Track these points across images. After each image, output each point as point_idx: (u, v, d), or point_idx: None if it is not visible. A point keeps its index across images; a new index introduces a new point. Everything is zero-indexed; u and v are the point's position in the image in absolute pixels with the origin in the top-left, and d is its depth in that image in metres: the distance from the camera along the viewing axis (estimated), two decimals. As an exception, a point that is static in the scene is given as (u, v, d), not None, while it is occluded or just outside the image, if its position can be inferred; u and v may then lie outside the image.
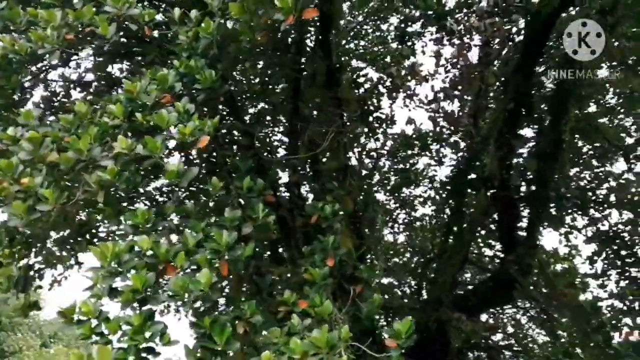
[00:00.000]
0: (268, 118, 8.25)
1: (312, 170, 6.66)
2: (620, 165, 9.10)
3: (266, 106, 7.84)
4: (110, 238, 8.58)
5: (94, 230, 8.36)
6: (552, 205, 7.11)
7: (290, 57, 6.51)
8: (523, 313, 11.92)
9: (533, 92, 6.44)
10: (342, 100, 5.59)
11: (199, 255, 3.60)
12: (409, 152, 10.17)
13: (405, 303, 5.81)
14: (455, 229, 6.74)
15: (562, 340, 10.70)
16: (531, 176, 6.81)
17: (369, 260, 6.79)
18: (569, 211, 8.69)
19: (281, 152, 8.18)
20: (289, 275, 4.93)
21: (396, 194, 10.94)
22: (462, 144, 9.21)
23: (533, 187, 6.70)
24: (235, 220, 3.81)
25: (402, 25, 9.49)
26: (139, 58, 5.85)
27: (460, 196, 6.23)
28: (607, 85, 7.09)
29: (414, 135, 9.70)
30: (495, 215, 7.26)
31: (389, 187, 10.77)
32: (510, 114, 6.01)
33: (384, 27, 9.87)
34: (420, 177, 10.55)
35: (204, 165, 5.31)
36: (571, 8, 5.41)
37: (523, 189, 7.18)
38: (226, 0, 3.99)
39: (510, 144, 6.13)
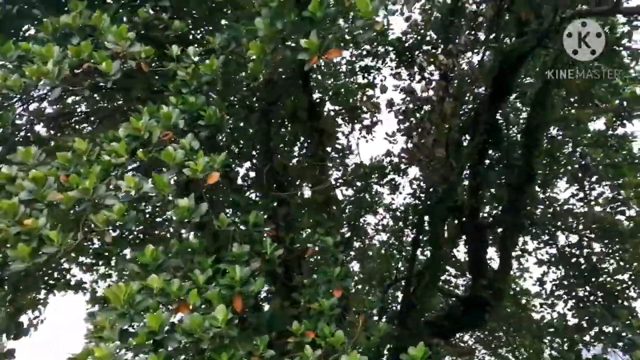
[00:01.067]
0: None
1: (287, 202, 6.70)
2: (564, 194, 9.73)
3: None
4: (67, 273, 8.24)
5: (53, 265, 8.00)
6: (523, 232, 7.47)
7: (263, 88, 6.58)
8: (471, 334, 12.33)
9: (501, 124, 6.83)
10: (324, 132, 5.71)
11: (209, 291, 3.59)
12: (367, 181, 10.40)
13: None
14: (431, 256, 6.94)
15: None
16: (501, 205, 7.14)
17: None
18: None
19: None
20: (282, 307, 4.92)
21: (352, 222, 11.11)
22: (419, 174, 9.60)
23: (501, 214, 7.01)
24: (244, 256, 3.81)
25: (354, 59, 9.82)
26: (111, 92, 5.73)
27: (435, 226, 6.47)
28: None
29: (373, 166, 9.98)
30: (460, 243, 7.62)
31: (344, 215, 10.92)
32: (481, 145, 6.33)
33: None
34: (376, 205, 10.81)
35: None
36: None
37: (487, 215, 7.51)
38: (229, 38, 4.08)
39: (481, 175, 6.44)
